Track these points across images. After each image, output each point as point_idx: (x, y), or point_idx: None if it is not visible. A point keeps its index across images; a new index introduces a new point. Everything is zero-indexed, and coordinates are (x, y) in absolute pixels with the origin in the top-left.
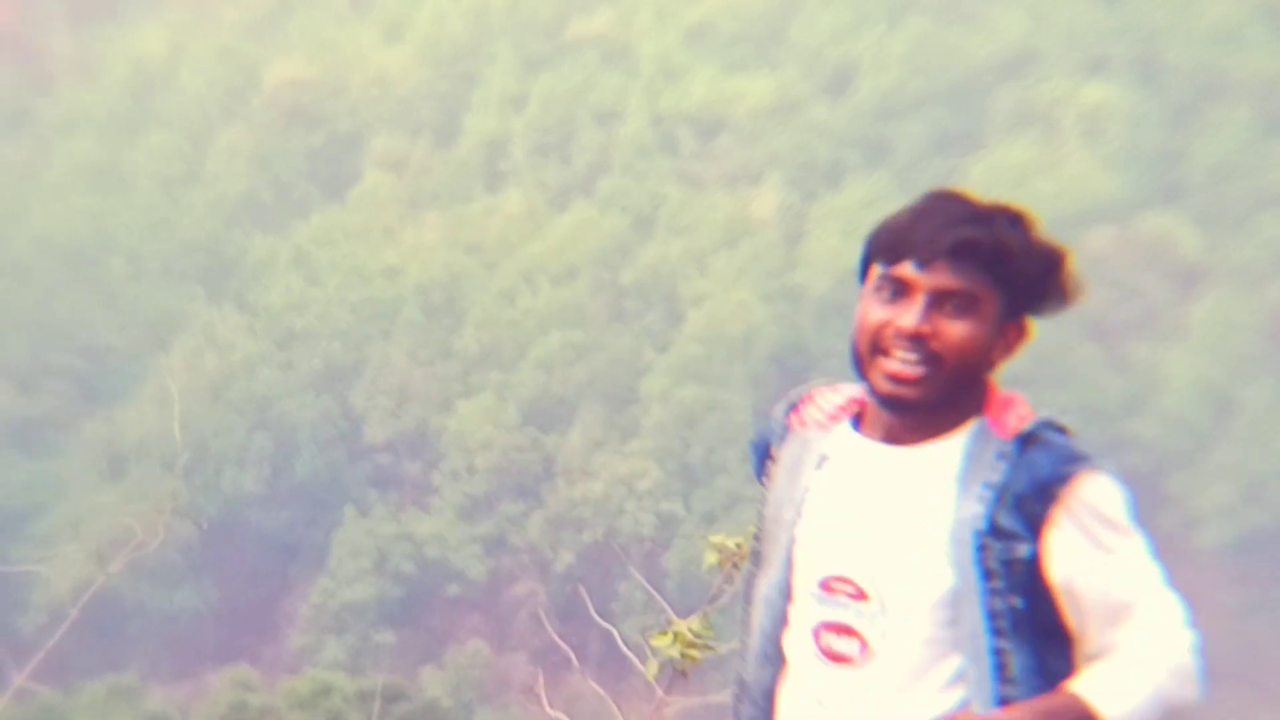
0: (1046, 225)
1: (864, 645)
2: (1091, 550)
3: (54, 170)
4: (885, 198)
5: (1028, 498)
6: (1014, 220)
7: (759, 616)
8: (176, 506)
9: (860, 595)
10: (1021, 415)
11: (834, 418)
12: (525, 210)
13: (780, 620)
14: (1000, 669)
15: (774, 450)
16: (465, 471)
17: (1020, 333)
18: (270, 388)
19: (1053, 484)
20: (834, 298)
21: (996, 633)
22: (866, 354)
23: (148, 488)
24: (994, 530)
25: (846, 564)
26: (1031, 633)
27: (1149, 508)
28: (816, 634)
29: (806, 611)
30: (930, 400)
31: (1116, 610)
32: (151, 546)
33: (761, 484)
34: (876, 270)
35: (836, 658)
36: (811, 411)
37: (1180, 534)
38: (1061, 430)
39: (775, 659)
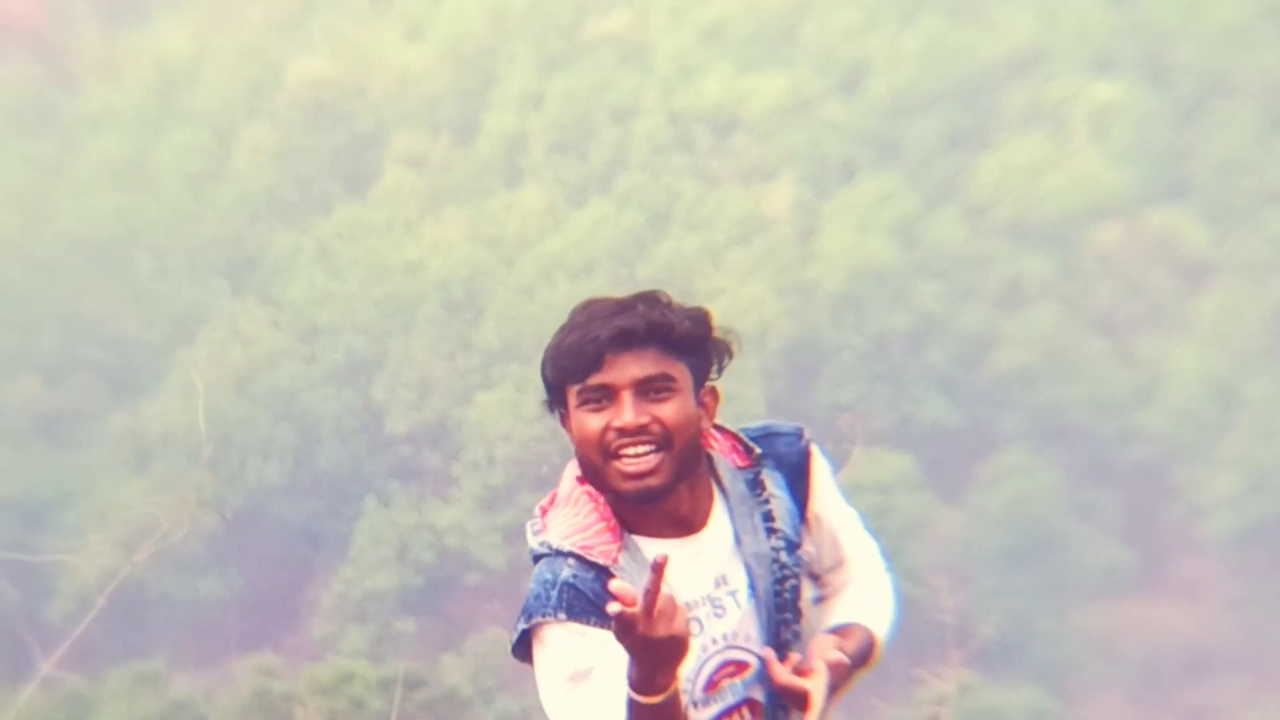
0: (1056, 221)
1: (755, 708)
2: (831, 502)
3: (81, 167)
4: (897, 194)
5: (794, 484)
6: (650, 299)
7: None
8: (201, 497)
9: (742, 668)
10: (734, 444)
11: (607, 544)
12: (544, 206)
13: None
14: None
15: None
16: (485, 462)
17: (714, 397)
18: (293, 381)
19: (801, 460)
20: (846, 292)
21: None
22: (601, 464)
23: (173, 479)
24: (787, 548)
25: (723, 653)
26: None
27: (1156, 498)
28: None
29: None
30: (670, 483)
31: (842, 555)
32: (177, 536)
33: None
34: (572, 391)
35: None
36: (601, 548)
37: (1186, 524)
38: (744, 430)
39: None
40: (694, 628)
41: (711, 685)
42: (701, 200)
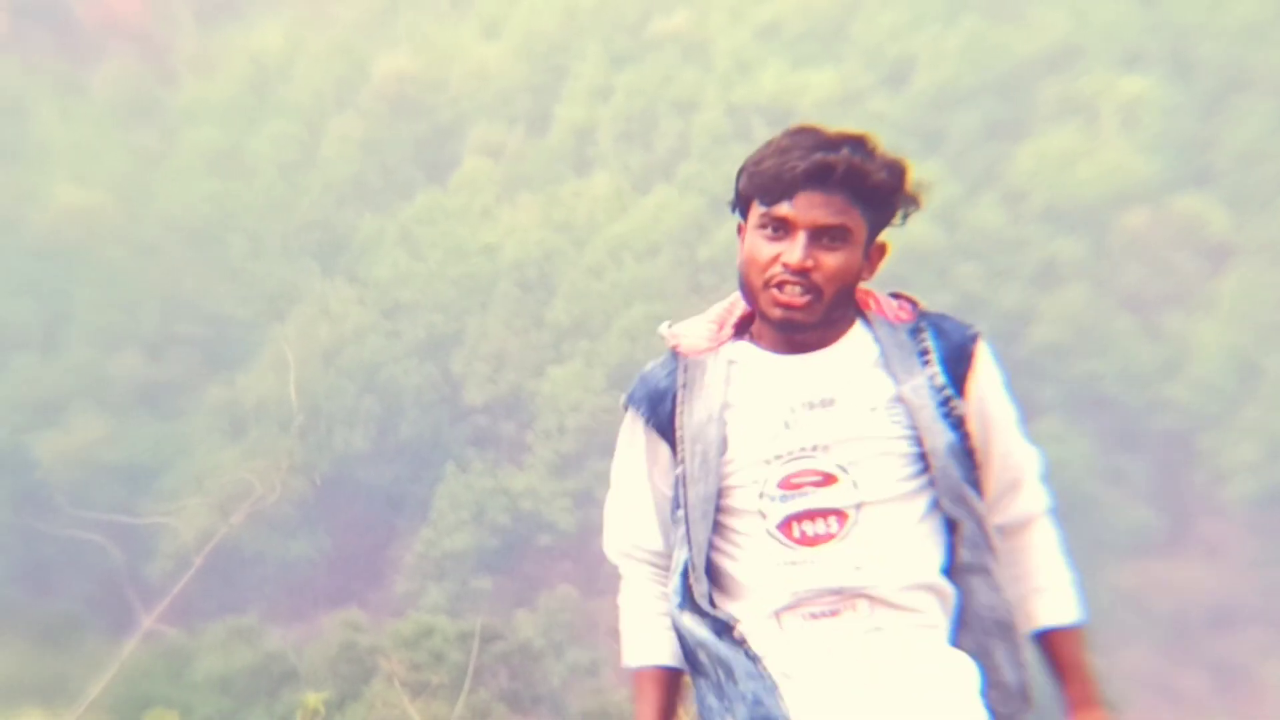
0: (1088, 206)
1: (841, 518)
2: (996, 396)
3: (180, 156)
4: (940, 180)
5: (952, 359)
6: (858, 143)
7: (697, 531)
8: (292, 463)
9: (828, 480)
10: (899, 305)
11: (717, 339)
12: (611, 192)
13: (710, 530)
14: (973, 504)
15: (679, 384)
16: (556, 431)
17: (881, 252)
18: (378, 354)
19: (967, 344)
20: (892, 271)
21: (976, 482)
22: (759, 287)
23: (266, 446)
24: (946, 383)
25: (803, 458)
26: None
27: (1182, 464)
28: (786, 528)
29: (766, 513)
30: (816, 320)
31: (1015, 472)
32: (269, 500)
33: (670, 424)
34: (757, 208)
35: (812, 540)
36: (692, 341)
37: (1210, 488)
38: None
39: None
40: (779, 427)
41: (787, 483)
42: None
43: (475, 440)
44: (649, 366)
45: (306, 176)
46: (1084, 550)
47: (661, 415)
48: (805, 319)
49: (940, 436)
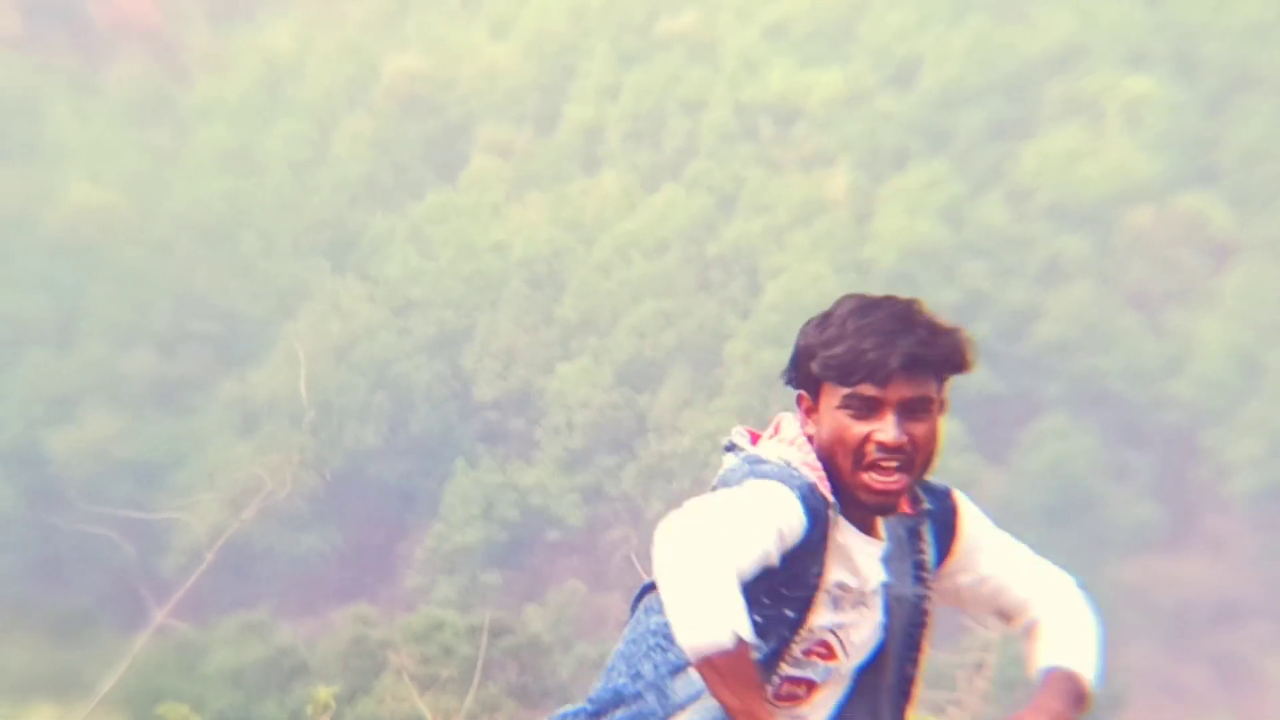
0: (1093, 204)
1: (812, 688)
2: (984, 532)
3: (193, 154)
4: (946, 179)
5: (939, 537)
6: (931, 326)
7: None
8: (303, 459)
9: (831, 655)
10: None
11: (826, 491)
12: (620, 191)
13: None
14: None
15: (832, 533)
16: (565, 427)
17: (944, 408)
18: (388, 351)
19: (949, 514)
20: (899, 269)
21: (905, 692)
22: (850, 469)
23: (277, 442)
24: (928, 597)
25: (829, 634)
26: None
27: (1186, 460)
28: (779, 684)
29: (779, 664)
30: (905, 498)
31: (1018, 572)
32: (281, 495)
33: (809, 560)
34: (834, 390)
35: (784, 699)
36: (819, 484)
37: (1213, 484)
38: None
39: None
40: (831, 608)
41: (809, 653)
42: (765, 185)
43: (485, 436)
44: (791, 472)
45: (317, 175)
46: (1088, 546)
47: (811, 533)
48: (899, 502)
49: (898, 645)
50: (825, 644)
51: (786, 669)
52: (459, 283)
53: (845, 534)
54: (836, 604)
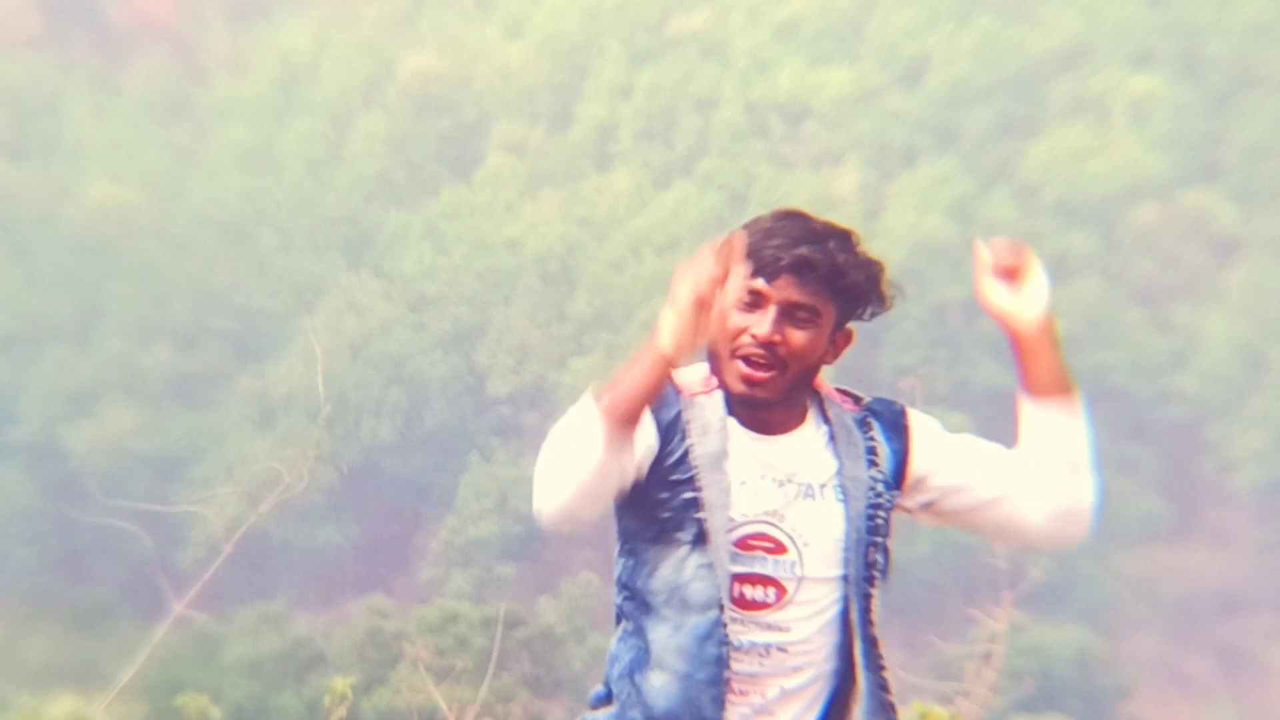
0: (1098, 201)
1: (780, 592)
2: (941, 438)
3: (211, 153)
4: (954, 177)
5: (891, 440)
6: (844, 239)
7: (721, 557)
8: (320, 453)
9: (779, 549)
10: (846, 397)
11: (709, 386)
12: (632, 188)
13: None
14: (867, 611)
15: (684, 413)
16: None
17: (846, 339)
18: (404, 347)
19: (899, 418)
20: (908, 266)
21: (870, 580)
22: (725, 355)
23: (294, 436)
24: (885, 484)
25: (761, 523)
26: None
27: (1191, 454)
28: (731, 586)
29: (719, 565)
30: (774, 400)
31: (994, 462)
32: (297, 489)
33: (676, 443)
34: (735, 278)
35: (750, 605)
36: (690, 383)
37: (1218, 477)
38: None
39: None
40: (749, 494)
41: (743, 544)
42: (775, 183)
43: (499, 430)
44: None
45: (334, 173)
46: (1095, 538)
47: (661, 417)
48: (765, 395)
49: (858, 531)
50: (765, 536)
51: (731, 566)
52: (473, 279)
53: (707, 415)
54: (761, 493)
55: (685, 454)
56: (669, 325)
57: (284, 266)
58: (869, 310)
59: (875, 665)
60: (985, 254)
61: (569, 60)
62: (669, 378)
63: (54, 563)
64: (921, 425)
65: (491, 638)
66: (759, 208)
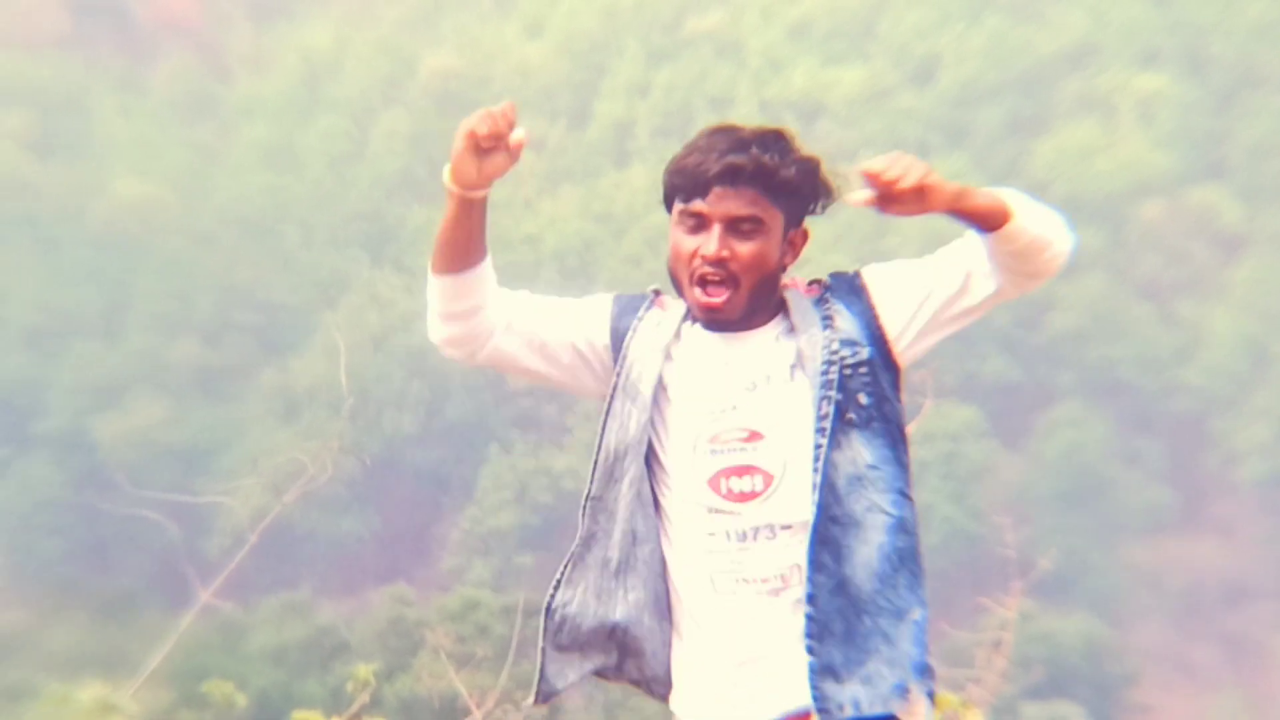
0: (1106, 198)
1: (767, 477)
2: (891, 273)
3: (235, 150)
4: (964, 174)
5: (852, 304)
6: (771, 140)
7: (630, 466)
8: (342, 445)
9: (753, 436)
10: (813, 286)
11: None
12: (649, 184)
13: (638, 473)
14: (820, 462)
15: (640, 314)
16: (595, 414)
17: (803, 237)
18: (425, 341)
19: (854, 279)
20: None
21: (820, 431)
22: (685, 282)
23: (318, 428)
24: (845, 342)
25: (732, 417)
26: (883, 426)
27: (1196, 446)
28: (715, 482)
29: (696, 466)
30: (738, 313)
31: (956, 262)
32: (321, 479)
33: (620, 335)
34: (676, 206)
35: (741, 496)
36: (666, 300)
37: (1223, 469)
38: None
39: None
40: (713, 398)
41: (717, 440)
42: None
43: (518, 422)
44: (634, 294)
45: (356, 170)
46: (1102, 529)
47: (620, 325)
48: (728, 314)
49: (817, 389)
50: (737, 426)
51: (711, 462)
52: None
53: (661, 330)
54: (723, 390)
55: (620, 374)
56: (451, 164)
57: (307, 262)
58: (818, 204)
59: (824, 502)
60: (858, 195)
61: (587, 59)
62: (469, 213)
63: (82, 552)
64: (875, 275)
65: (511, 625)
66: None
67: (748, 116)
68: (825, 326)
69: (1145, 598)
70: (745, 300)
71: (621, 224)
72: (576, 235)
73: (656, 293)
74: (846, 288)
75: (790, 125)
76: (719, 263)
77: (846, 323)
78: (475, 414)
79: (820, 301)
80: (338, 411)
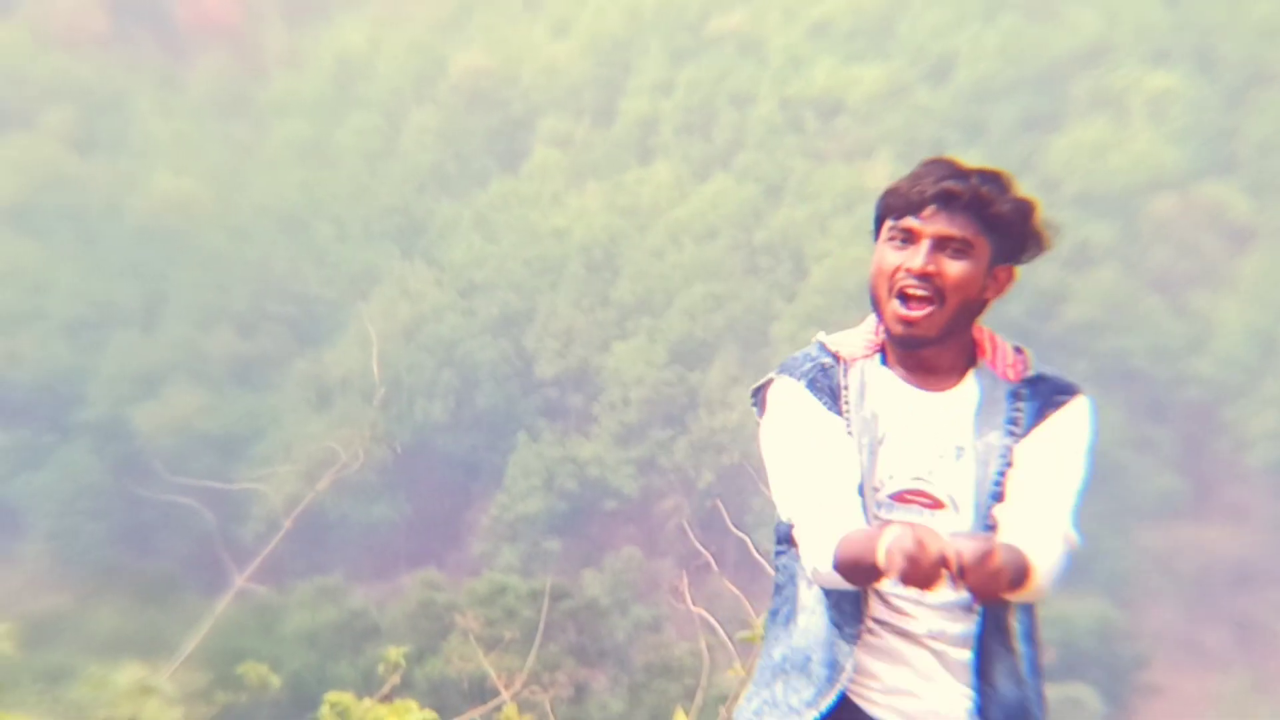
0: (1118, 193)
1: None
2: (1051, 432)
3: (270, 147)
4: None
5: (1033, 415)
6: (990, 177)
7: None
8: (374, 433)
9: (936, 504)
10: (1012, 362)
11: (869, 350)
12: (672, 180)
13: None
14: None
15: (842, 380)
16: (621, 403)
17: (1009, 276)
18: (454, 331)
19: (1057, 400)
20: None
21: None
22: (884, 296)
23: (350, 417)
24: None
25: (919, 480)
26: None
27: (1207, 433)
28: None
29: (877, 517)
30: (936, 337)
31: (1036, 488)
32: (353, 467)
33: (837, 413)
34: (887, 224)
35: None
36: (849, 349)
37: (1233, 455)
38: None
39: None
40: (905, 451)
41: (900, 498)
42: (810, 175)
43: (545, 411)
44: (791, 360)
45: (388, 166)
46: (1114, 514)
47: (822, 391)
48: (925, 331)
49: (984, 495)
50: (922, 493)
51: (888, 517)
52: (521, 267)
53: (868, 378)
54: (917, 450)
55: (847, 420)
56: (889, 548)
57: (340, 255)
58: (1026, 249)
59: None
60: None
61: (612, 58)
62: (873, 579)
63: (121, 537)
64: (1060, 426)
65: (538, 609)
66: (794, 199)
67: (769, 114)
68: (1008, 432)
69: (1157, 581)
70: (945, 321)
71: (646, 218)
72: (602, 229)
73: (823, 346)
74: (1043, 401)
75: (810, 122)
76: (924, 277)
77: (1023, 421)
78: (504, 403)
79: (1013, 396)
80: (369, 400)
